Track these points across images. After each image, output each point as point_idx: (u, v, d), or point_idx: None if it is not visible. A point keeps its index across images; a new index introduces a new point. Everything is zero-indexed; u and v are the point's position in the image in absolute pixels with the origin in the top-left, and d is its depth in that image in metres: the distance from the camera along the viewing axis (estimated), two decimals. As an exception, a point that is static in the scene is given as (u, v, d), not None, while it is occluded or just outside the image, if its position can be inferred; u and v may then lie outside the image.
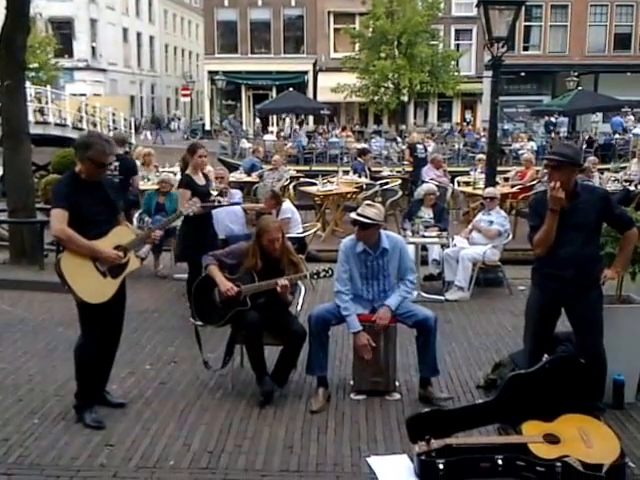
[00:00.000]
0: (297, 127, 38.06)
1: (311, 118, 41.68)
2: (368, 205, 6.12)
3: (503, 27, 9.83)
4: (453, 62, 37.65)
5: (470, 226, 10.10)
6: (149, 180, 13.48)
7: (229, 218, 9.29)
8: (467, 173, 18.33)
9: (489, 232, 9.52)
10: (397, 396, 6.01)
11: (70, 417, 5.49)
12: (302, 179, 17.35)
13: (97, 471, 4.75)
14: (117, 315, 5.66)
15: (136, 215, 10.93)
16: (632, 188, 14.50)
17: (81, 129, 32.14)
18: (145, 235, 5.86)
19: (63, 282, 5.21)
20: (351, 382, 6.17)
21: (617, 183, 15.38)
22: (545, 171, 5.60)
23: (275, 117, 42.24)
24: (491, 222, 9.61)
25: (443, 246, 9.62)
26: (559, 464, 4.52)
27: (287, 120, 40.19)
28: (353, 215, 6.04)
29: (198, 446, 5.11)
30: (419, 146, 17.42)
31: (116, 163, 11.55)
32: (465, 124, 42.75)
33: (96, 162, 5.22)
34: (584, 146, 28.64)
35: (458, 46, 41.78)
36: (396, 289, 6.11)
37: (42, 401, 5.87)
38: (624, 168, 18.87)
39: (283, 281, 5.86)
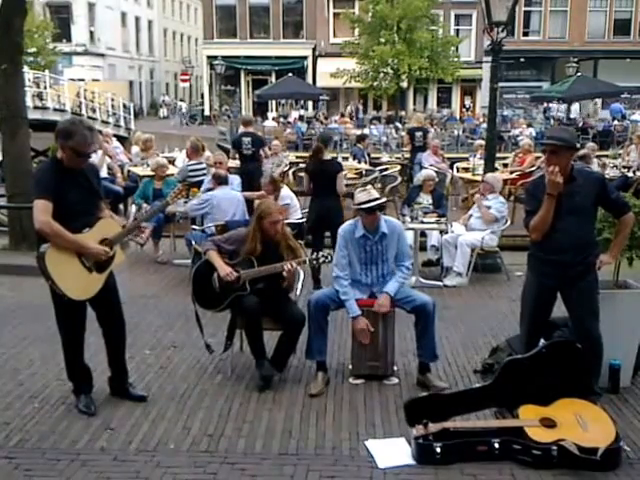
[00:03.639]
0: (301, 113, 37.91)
1: (310, 104, 41.57)
2: (364, 190, 6.12)
3: (503, 11, 9.85)
4: (453, 48, 37.44)
5: (470, 211, 10.10)
6: (149, 166, 13.45)
7: (229, 204, 9.27)
8: (466, 159, 18.31)
9: (488, 215, 9.51)
10: (395, 380, 6.06)
11: (70, 401, 5.52)
12: (302, 165, 17.30)
13: (97, 454, 4.78)
14: (111, 306, 5.50)
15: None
16: (630, 174, 14.52)
17: (80, 114, 32.01)
18: (132, 227, 5.64)
19: (46, 277, 4.99)
20: (350, 366, 6.21)
21: (616, 169, 15.41)
22: (543, 157, 5.63)
23: (274, 102, 42.13)
24: (489, 207, 9.62)
25: (442, 232, 9.64)
26: (555, 447, 4.58)
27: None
28: (364, 205, 5.96)
29: (198, 430, 5.15)
30: (417, 133, 17.29)
31: (248, 139, 12.67)
32: (464, 110, 42.62)
33: (77, 152, 5.02)
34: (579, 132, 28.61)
35: (458, 31, 41.58)
36: (394, 275, 6.13)
37: (43, 385, 5.91)
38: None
39: (289, 265, 5.88)
